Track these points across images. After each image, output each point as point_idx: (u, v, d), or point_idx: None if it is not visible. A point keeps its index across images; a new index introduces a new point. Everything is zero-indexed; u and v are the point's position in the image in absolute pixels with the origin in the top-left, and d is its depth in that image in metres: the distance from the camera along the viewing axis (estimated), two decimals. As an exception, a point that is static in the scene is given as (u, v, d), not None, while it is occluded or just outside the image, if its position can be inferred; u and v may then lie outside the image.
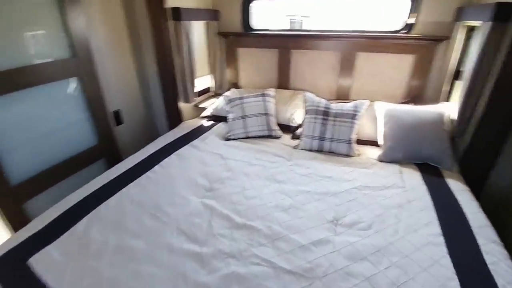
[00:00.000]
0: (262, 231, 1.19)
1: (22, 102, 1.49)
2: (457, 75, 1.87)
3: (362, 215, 1.28)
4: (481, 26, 1.46)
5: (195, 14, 2.14)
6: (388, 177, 1.56)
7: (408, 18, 2.00)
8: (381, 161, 1.73)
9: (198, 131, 2.17)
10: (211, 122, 2.33)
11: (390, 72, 2.13)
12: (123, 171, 1.62)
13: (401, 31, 2.06)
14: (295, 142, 1.99)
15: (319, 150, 1.85)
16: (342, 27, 2.24)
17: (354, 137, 1.80)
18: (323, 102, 1.91)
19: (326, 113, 1.84)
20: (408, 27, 2.01)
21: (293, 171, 1.63)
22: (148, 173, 1.62)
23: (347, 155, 1.80)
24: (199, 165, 1.70)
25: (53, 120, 1.68)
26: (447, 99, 1.96)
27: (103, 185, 1.49)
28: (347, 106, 1.87)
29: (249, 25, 2.45)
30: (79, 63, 1.71)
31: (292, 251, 1.09)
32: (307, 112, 1.92)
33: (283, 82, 2.46)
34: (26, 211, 1.55)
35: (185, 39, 2.07)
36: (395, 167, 1.66)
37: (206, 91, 2.65)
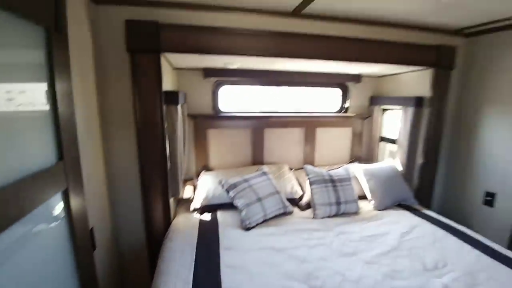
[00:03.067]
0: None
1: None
2: (380, 139, 2.74)
3: (432, 257, 1.51)
4: (406, 109, 2.30)
5: (181, 97, 1.91)
6: (400, 221, 1.93)
7: (345, 103, 2.78)
8: (378, 210, 2.13)
9: (205, 229, 1.75)
10: (205, 213, 1.95)
11: (339, 141, 2.76)
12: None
13: (342, 112, 2.80)
14: (306, 213, 2.05)
15: (336, 215, 2.01)
16: (301, 109, 2.73)
17: (356, 196, 2.12)
18: (323, 171, 2.16)
19: (332, 180, 2.09)
20: (345, 108, 2.78)
21: (349, 239, 1.68)
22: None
23: (356, 213, 2.07)
24: (268, 269, 1.39)
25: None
26: (378, 157, 2.77)
27: None
28: (340, 171, 2.21)
29: (218, 108, 2.43)
30: (67, 169, 1.06)
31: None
32: (313, 182, 2.07)
33: (257, 158, 2.51)
34: None
35: (178, 123, 1.77)
36: (391, 212, 2.09)
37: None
